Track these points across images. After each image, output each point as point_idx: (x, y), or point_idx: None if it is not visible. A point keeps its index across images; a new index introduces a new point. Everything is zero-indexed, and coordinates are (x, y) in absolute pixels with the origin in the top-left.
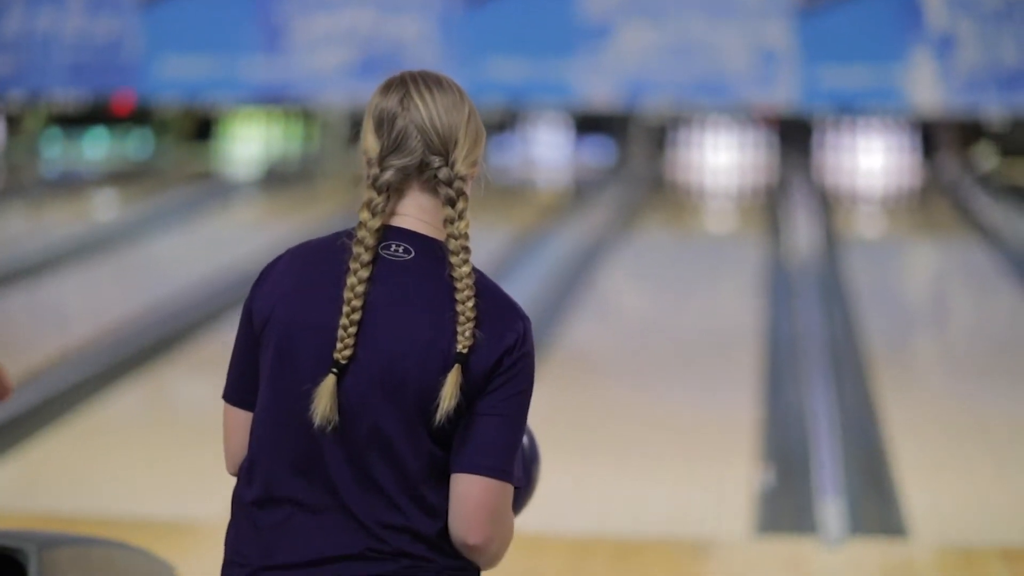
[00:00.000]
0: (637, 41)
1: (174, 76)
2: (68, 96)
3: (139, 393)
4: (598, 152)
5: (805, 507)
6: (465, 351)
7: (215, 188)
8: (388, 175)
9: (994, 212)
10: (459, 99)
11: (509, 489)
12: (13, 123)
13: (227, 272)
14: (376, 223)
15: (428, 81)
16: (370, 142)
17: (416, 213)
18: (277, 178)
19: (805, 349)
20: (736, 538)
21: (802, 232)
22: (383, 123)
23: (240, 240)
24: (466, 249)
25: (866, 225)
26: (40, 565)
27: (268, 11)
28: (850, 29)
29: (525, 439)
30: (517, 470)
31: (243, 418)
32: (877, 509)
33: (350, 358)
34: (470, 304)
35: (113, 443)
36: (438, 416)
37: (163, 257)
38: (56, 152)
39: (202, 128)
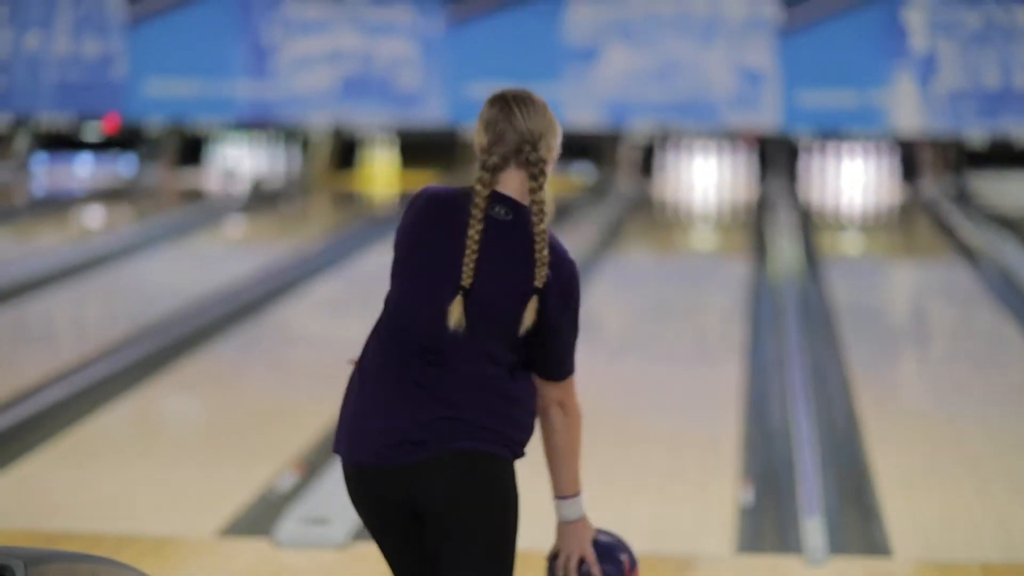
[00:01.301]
0: (620, 64)
1: (160, 98)
2: (55, 118)
3: (126, 411)
4: (581, 172)
5: (787, 524)
6: (540, 286)
7: (203, 208)
8: (493, 159)
9: (974, 232)
10: (541, 107)
11: (573, 380)
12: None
13: (214, 291)
14: (485, 192)
15: (519, 96)
16: (480, 139)
17: (512, 186)
18: (264, 198)
19: (788, 367)
20: (719, 555)
21: (785, 251)
22: (489, 125)
23: (227, 259)
24: (543, 212)
25: (848, 244)
26: None
27: (254, 33)
28: (832, 52)
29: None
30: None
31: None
32: (859, 526)
33: (470, 285)
34: (544, 253)
35: (100, 461)
36: (521, 330)
37: (151, 276)
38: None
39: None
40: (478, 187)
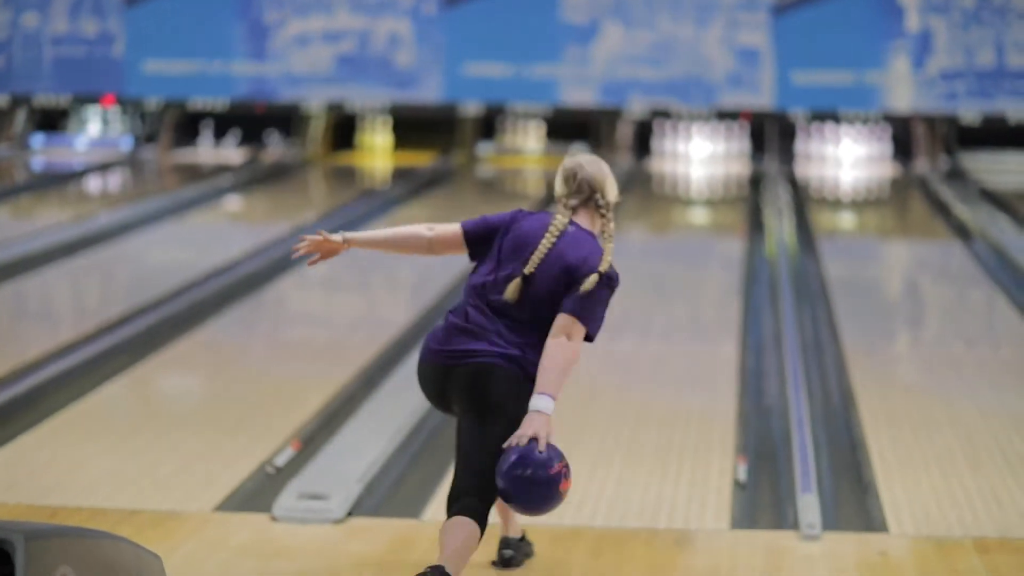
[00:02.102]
0: (616, 43)
1: (158, 77)
2: (52, 99)
3: (126, 387)
4: (577, 152)
5: (783, 500)
6: (602, 271)
7: (203, 183)
8: (574, 202)
9: (968, 211)
10: (603, 165)
11: (581, 334)
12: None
13: (213, 268)
14: (564, 220)
15: (590, 157)
16: (560, 188)
17: (585, 222)
18: (263, 176)
19: (783, 344)
20: (714, 531)
21: (780, 228)
22: (568, 178)
23: (226, 237)
24: (610, 238)
25: (843, 222)
26: (27, 555)
27: (252, 12)
28: (826, 31)
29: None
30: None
31: (458, 244)
32: (854, 502)
33: (532, 274)
34: (609, 249)
35: (100, 437)
36: (582, 288)
37: (150, 253)
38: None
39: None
40: (559, 219)
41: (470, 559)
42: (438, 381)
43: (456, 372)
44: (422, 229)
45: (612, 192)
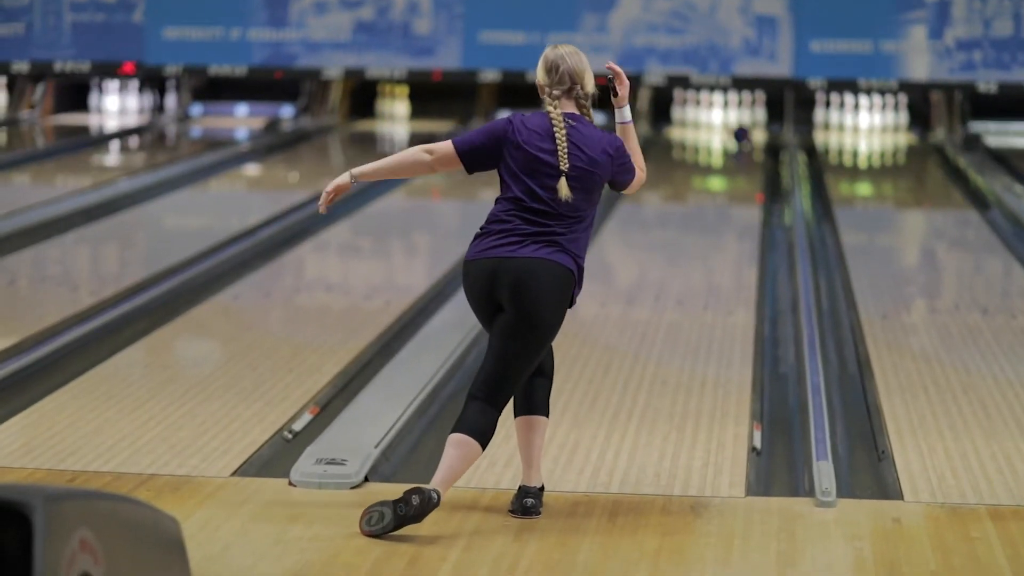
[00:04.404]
0: (634, 12)
1: (177, 44)
2: (72, 66)
3: (145, 352)
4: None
5: (798, 467)
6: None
7: (222, 150)
8: (557, 92)
9: (984, 179)
10: (583, 57)
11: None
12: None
13: (232, 232)
14: (559, 113)
15: (568, 50)
16: (542, 79)
17: (570, 108)
18: (284, 142)
19: (799, 312)
20: (730, 497)
21: (796, 196)
22: (551, 69)
23: (244, 203)
24: (591, 115)
25: (859, 190)
26: (46, 518)
27: None
28: (844, 0)
29: None
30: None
31: (454, 162)
32: (869, 470)
33: (568, 167)
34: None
35: (119, 402)
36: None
37: (168, 219)
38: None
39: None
40: (552, 111)
41: (464, 473)
42: (489, 277)
43: (507, 264)
44: (421, 153)
45: (590, 83)
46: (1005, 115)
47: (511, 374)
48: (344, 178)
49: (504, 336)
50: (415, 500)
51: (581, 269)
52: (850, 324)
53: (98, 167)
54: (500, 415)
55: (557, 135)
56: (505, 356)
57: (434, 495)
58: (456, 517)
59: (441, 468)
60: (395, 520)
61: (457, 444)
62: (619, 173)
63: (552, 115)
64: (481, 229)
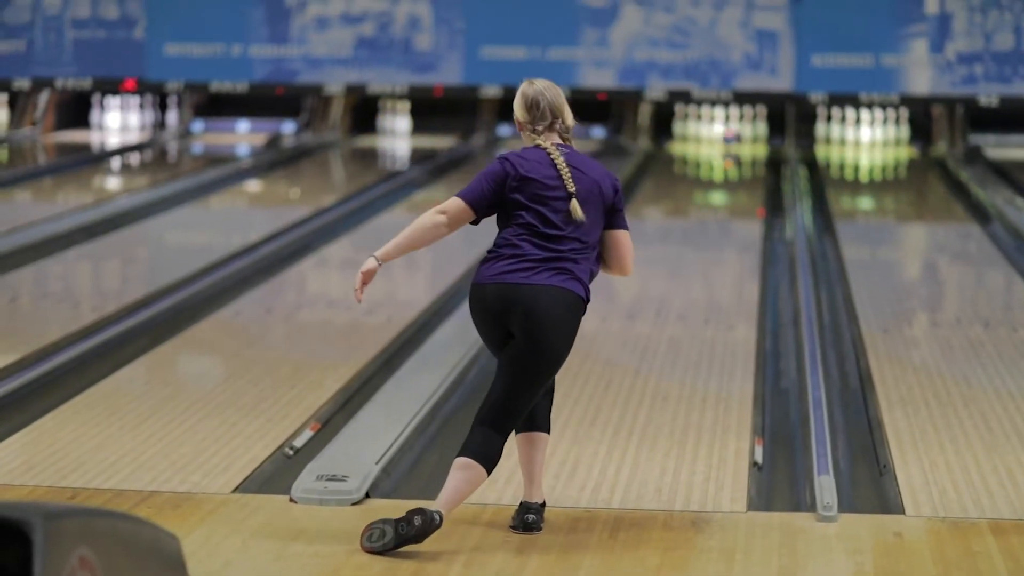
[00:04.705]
0: (635, 26)
1: (179, 61)
2: (73, 83)
3: (145, 367)
4: (597, 136)
5: (800, 482)
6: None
7: (224, 166)
8: (540, 127)
9: (985, 193)
10: (559, 91)
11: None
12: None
13: (234, 249)
14: (551, 144)
15: (544, 84)
16: (522, 116)
17: (555, 140)
18: (285, 158)
19: (800, 326)
20: (731, 512)
21: (798, 210)
22: (531, 107)
23: (247, 218)
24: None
25: (861, 204)
26: (45, 536)
27: None
28: (845, 13)
29: None
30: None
31: (467, 216)
32: (870, 484)
33: (576, 189)
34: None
35: (120, 418)
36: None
37: (170, 236)
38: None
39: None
40: (544, 143)
41: (468, 497)
42: (501, 303)
43: (521, 292)
44: (435, 216)
45: (570, 116)
46: (1006, 128)
47: (519, 402)
48: (371, 263)
49: (513, 363)
50: (417, 521)
51: (588, 295)
52: (851, 338)
53: (99, 184)
54: (506, 441)
55: (557, 162)
56: (513, 383)
57: (436, 516)
58: (457, 533)
59: (446, 490)
60: (396, 539)
61: (463, 467)
62: (618, 212)
63: (544, 146)
64: (490, 252)
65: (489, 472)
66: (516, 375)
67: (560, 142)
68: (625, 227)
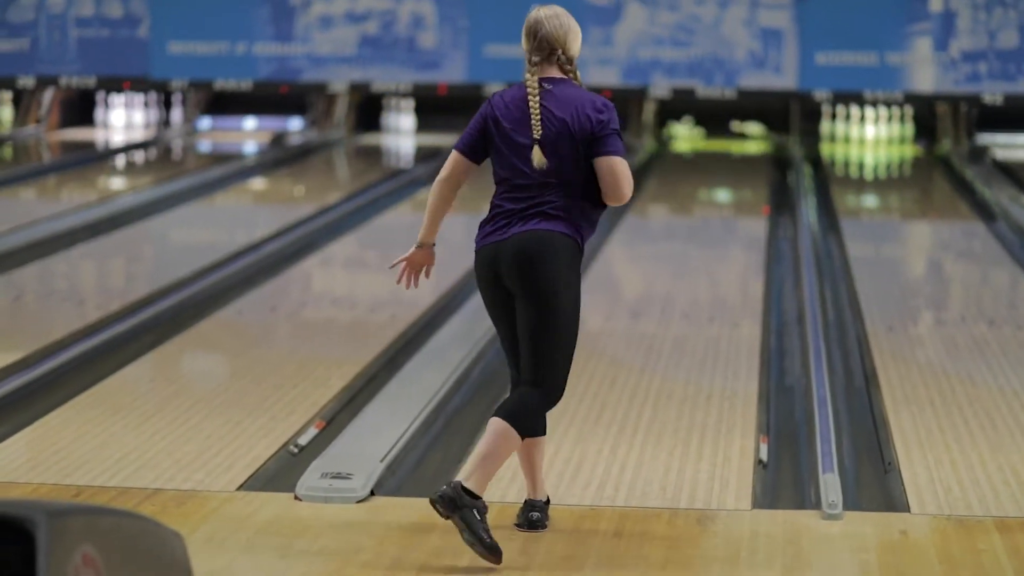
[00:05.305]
0: (638, 24)
1: (183, 59)
2: (78, 81)
3: (150, 365)
4: None
5: (805, 480)
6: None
7: (228, 164)
8: (536, 58)
9: (990, 191)
10: (566, 19)
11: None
12: (21, 103)
13: (238, 247)
14: (535, 80)
15: (548, 12)
16: (524, 44)
17: (552, 73)
18: (290, 156)
19: (805, 324)
20: (736, 510)
21: (802, 208)
22: (529, 35)
23: (251, 216)
24: (577, 77)
25: (865, 202)
26: (49, 534)
27: None
28: (849, 11)
29: None
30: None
31: (465, 164)
32: (875, 482)
33: (543, 137)
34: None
35: (125, 416)
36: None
37: (174, 234)
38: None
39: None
40: (528, 78)
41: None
42: (491, 265)
43: (503, 247)
44: (439, 178)
45: (574, 46)
46: (1012, 125)
47: (549, 359)
48: (417, 254)
49: (524, 323)
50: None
51: (583, 237)
52: (856, 336)
53: (104, 182)
54: (552, 401)
55: (531, 103)
56: (535, 343)
57: (457, 486)
58: None
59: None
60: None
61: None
62: (600, 139)
63: (527, 83)
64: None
65: (522, 436)
66: (533, 334)
67: (558, 76)
68: (611, 152)
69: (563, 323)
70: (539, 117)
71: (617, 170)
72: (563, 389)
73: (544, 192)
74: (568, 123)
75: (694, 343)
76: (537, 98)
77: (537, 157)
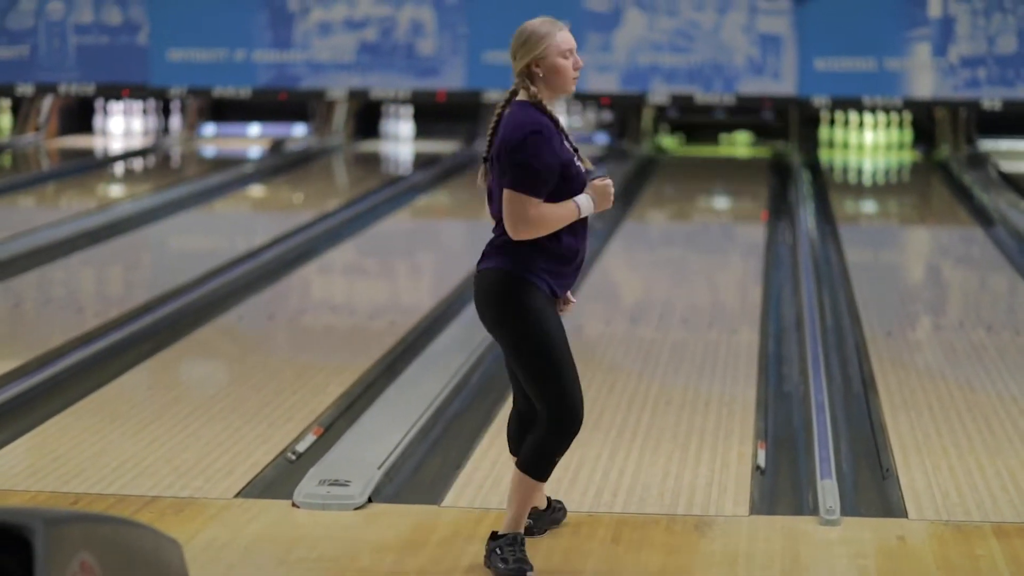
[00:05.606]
0: (637, 30)
1: (182, 66)
2: (77, 88)
3: (148, 372)
4: (600, 141)
5: (803, 486)
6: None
7: (227, 171)
8: (515, 78)
9: (989, 197)
10: (524, 33)
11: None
12: (20, 111)
13: (237, 254)
14: (502, 102)
15: (518, 31)
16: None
17: (523, 95)
18: (289, 163)
19: (803, 330)
20: (734, 516)
21: (801, 214)
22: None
23: (250, 223)
24: (531, 95)
25: (864, 208)
26: (47, 541)
27: (274, 1)
28: (848, 17)
29: None
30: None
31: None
32: (873, 488)
33: (487, 155)
34: (497, 129)
35: (123, 424)
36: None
37: (173, 241)
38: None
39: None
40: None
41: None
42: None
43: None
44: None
45: (521, 62)
46: (1011, 131)
47: (535, 391)
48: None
49: (509, 363)
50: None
51: (525, 264)
52: (854, 342)
53: (103, 189)
54: (561, 432)
55: (492, 126)
56: (519, 379)
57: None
58: (460, 538)
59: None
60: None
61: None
62: (503, 167)
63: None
64: None
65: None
66: (513, 371)
67: (518, 100)
68: (507, 184)
69: (526, 353)
70: (490, 140)
71: (505, 205)
72: (568, 408)
73: (497, 220)
74: (497, 148)
75: (693, 349)
76: (495, 119)
77: (480, 177)
